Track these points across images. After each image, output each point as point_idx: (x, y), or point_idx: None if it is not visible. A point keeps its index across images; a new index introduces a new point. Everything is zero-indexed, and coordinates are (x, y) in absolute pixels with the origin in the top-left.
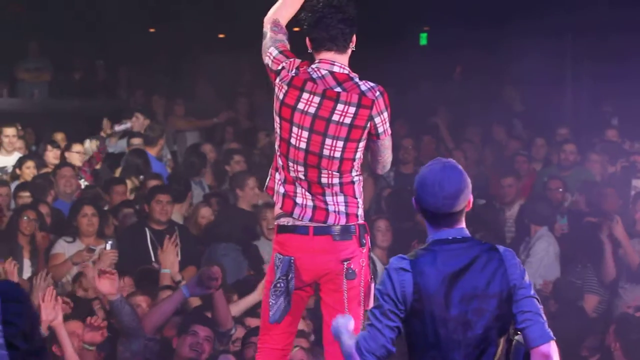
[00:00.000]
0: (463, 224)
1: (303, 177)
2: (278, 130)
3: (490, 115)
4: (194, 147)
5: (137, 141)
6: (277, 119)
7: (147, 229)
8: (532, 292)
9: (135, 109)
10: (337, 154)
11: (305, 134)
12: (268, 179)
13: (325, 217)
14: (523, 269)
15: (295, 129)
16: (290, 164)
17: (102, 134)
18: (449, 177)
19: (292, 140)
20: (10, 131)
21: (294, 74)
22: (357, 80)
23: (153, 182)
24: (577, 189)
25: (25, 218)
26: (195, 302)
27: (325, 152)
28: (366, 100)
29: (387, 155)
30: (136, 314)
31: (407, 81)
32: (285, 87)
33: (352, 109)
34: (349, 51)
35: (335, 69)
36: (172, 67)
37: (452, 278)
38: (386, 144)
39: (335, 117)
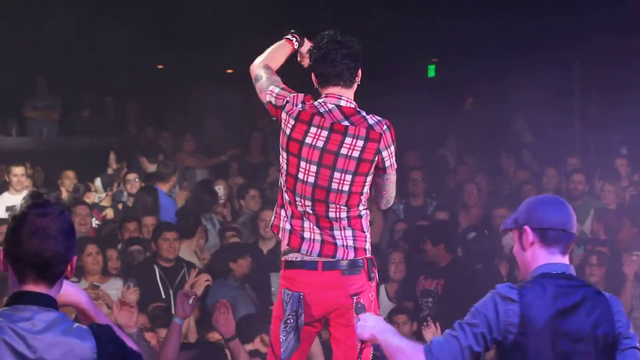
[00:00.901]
0: (570, 260)
1: (311, 212)
2: (285, 166)
3: (499, 145)
4: (204, 183)
5: (132, 176)
6: (284, 154)
7: (155, 266)
8: (637, 342)
9: (141, 151)
10: (346, 188)
11: (314, 168)
12: (273, 217)
13: (333, 251)
14: (628, 319)
15: (303, 164)
16: (298, 198)
17: (109, 170)
18: (564, 200)
19: (300, 175)
20: (18, 170)
21: (300, 109)
22: (364, 114)
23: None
24: (595, 218)
25: None
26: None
27: (334, 185)
28: (374, 133)
29: (391, 190)
30: (152, 351)
31: (415, 113)
32: (292, 122)
33: (361, 142)
34: (355, 85)
35: (342, 102)
36: (181, 103)
37: (561, 315)
38: (392, 178)
39: (343, 151)
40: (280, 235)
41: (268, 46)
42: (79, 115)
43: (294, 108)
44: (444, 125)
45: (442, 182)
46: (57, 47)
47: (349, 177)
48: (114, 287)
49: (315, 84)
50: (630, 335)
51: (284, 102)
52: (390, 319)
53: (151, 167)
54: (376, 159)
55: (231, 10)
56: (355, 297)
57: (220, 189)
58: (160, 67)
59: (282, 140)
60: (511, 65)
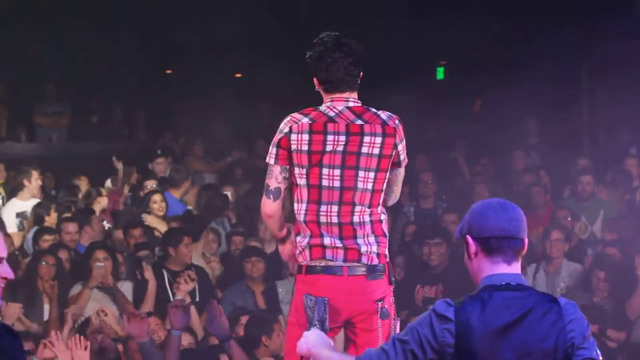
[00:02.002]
0: (519, 268)
1: (336, 220)
2: (304, 182)
3: (509, 147)
4: (214, 187)
5: (151, 183)
6: (302, 171)
7: (164, 270)
8: (595, 353)
9: (155, 151)
10: (370, 186)
11: (338, 172)
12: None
13: (358, 257)
14: (586, 325)
15: (325, 170)
16: (323, 209)
17: (119, 173)
18: (510, 204)
19: (325, 182)
20: (33, 176)
21: (309, 121)
22: (374, 110)
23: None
24: (608, 227)
25: (43, 263)
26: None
27: (360, 184)
28: (389, 128)
29: (400, 186)
30: (165, 357)
31: (424, 115)
32: (307, 136)
33: (379, 139)
34: (357, 86)
35: (350, 103)
36: (190, 108)
37: (501, 332)
38: (402, 173)
39: (364, 150)
40: (300, 259)
41: (276, 51)
42: (88, 121)
43: (300, 123)
44: (453, 128)
45: (453, 185)
46: (66, 54)
47: (372, 175)
48: (124, 291)
49: (319, 88)
50: (586, 345)
51: (285, 131)
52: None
53: (161, 168)
54: (393, 153)
55: (240, 16)
56: (380, 303)
57: (229, 194)
58: (168, 72)
59: (300, 158)
60: (519, 67)
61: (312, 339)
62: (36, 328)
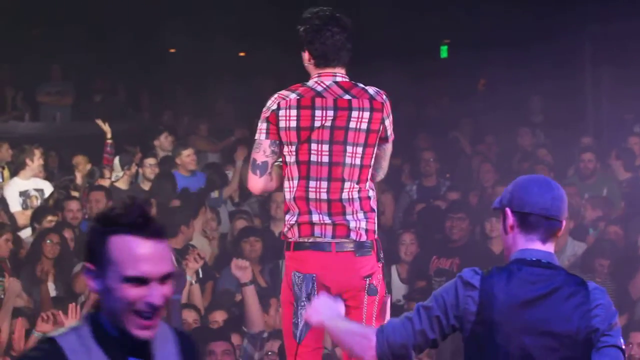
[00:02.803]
0: (553, 248)
1: (325, 197)
2: (293, 158)
3: (513, 126)
4: (216, 166)
5: (151, 161)
6: (291, 147)
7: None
8: (619, 341)
9: (159, 129)
10: (358, 161)
11: (326, 147)
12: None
13: (347, 233)
14: (614, 312)
15: (314, 145)
16: (312, 184)
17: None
18: (555, 183)
19: (313, 158)
20: (35, 154)
21: (297, 96)
22: (362, 85)
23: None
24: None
25: (48, 242)
26: (222, 316)
27: (348, 160)
28: (377, 103)
29: (388, 162)
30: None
31: (427, 94)
32: (295, 111)
33: (367, 114)
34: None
35: (338, 78)
36: (193, 87)
37: (525, 306)
38: (390, 148)
39: (352, 125)
40: (288, 234)
41: (280, 30)
42: (91, 100)
43: (288, 99)
44: (456, 106)
45: (456, 163)
46: (69, 33)
47: (360, 150)
48: None
49: (309, 62)
50: (612, 332)
51: (274, 108)
52: (408, 305)
53: (166, 145)
54: (381, 128)
55: None
56: (367, 279)
57: (230, 173)
58: (172, 50)
59: (289, 135)
60: (523, 45)
61: (322, 308)
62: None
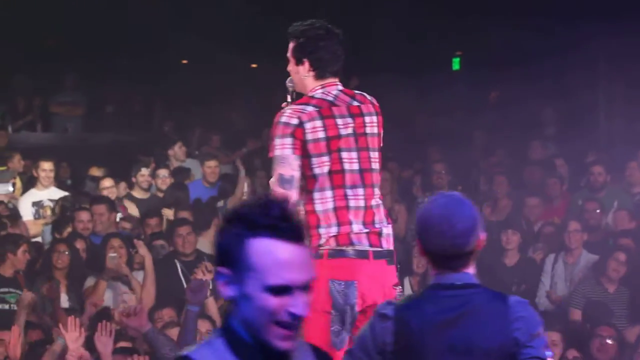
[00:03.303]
0: (470, 268)
1: (362, 204)
2: (325, 170)
3: (526, 138)
4: (227, 176)
5: (163, 172)
6: (324, 158)
7: (176, 261)
8: (542, 352)
9: (173, 139)
10: (377, 166)
11: (354, 154)
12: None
13: (379, 241)
14: (536, 323)
15: (344, 154)
16: (350, 192)
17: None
18: (458, 213)
19: (346, 166)
20: (47, 165)
21: (314, 108)
22: (358, 92)
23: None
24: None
25: (56, 253)
26: None
27: (373, 165)
28: (376, 107)
29: None
30: (175, 343)
31: (439, 107)
32: (320, 122)
33: (375, 118)
34: None
35: (340, 87)
36: (205, 98)
37: (444, 329)
38: None
39: (368, 130)
40: (324, 243)
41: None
42: (103, 111)
43: (307, 112)
44: (469, 118)
45: (468, 175)
46: (82, 44)
47: (376, 155)
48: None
49: (307, 74)
50: (532, 343)
51: (294, 123)
52: None
53: (179, 157)
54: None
55: (256, 5)
56: (397, 288)
57: (245, 185)
58: (184, 62)
59: (317, 147)
60: (536, 58)
61: None
62: (48, 320)
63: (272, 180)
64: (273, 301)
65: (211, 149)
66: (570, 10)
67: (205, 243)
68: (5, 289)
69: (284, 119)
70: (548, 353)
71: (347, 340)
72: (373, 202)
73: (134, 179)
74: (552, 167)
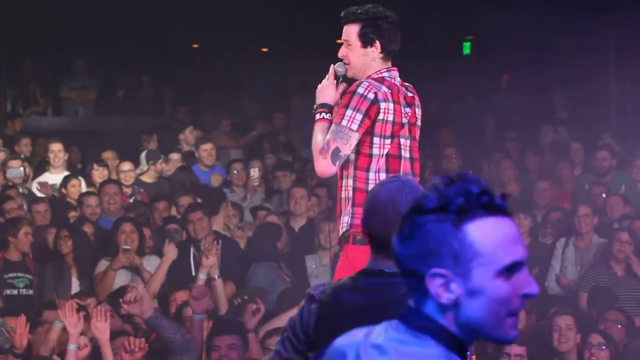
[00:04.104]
0: None
1: None
2: (384, 151)
3: (537, 122)
4: (240, 162)
5: (175, 156)
6: (383, 141)
7: (191, 246)
8: None
9: (184, 123)
10: (418, 157)
11: (408, 142)
12: (350, 218)
13: None
14: None
15: (402, 141)
16: None
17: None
18: (407, 199)
19: (403, 153)
20: (56, 147)
21: (388, 90)
22: (407, 83)
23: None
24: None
25: (61, 238)
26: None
27: (419, 155)
28: (419, 99)
29: None
30: (179, 326)
31: (450, 91)
32: (392, 106)
33: (419, 111)
34: None
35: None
36: (216, 82)
37: (358, 315)
38: None
39: (417, 122)
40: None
41: (299, 27)
42: (114, 96)
43: (382, 91)
44: (480, 103)
45: (479, 160)
46: (93, 28)
47: (417, 146)
48: (147, 265)
49: (376, 55)
50: None
51: (371, 98)
52: None
53: (190, 142)
54: None
55: None
56: None
57: (255, 170)
58: (195, 46)
59: (384, 128)
60: (547, 42)
61: None
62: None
63: (318, 145)
64: (505, 288)
65: (221, 133)
66: None
67: (217, 227)
68: (13, 274)
69: (361, 91)
70: None
71: None
72: None
73: (149, 165)
74: (564, 151)
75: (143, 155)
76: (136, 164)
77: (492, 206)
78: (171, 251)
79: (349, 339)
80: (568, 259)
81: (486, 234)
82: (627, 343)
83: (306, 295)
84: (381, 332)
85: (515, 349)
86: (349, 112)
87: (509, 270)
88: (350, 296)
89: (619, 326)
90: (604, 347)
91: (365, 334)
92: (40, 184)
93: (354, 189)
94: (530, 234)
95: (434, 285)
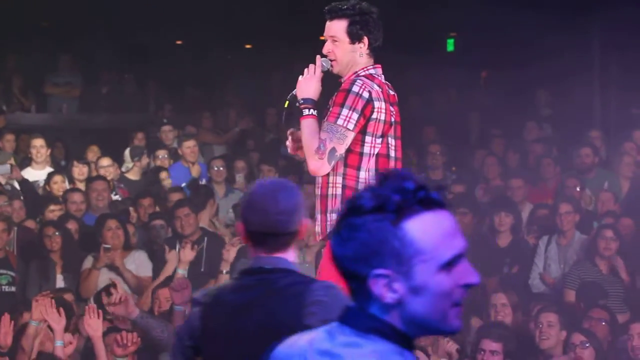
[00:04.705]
0: (289, 254)
1: None
2: (374, 150)
3: (520, 119)
4: (224, 158)
5: (162, 153)
6: (374, 141)
7: (177, 242)
8: None
9: (162, 121)
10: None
11: (394, 142)
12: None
13: None
14: (338, 309)
15: (390, 140)
16: None
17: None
18: (284, 193)
19: (391, 153)
20: (38, 142)
21: (378, 88)
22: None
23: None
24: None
25: (46, 236)
26: None
27: (401, 155)
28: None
29: None
30: (166, 324)
31: (434, 87)
32: (384, 104)
33: (398, 109)
34: None
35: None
36: (199, 79)
37: (237, 314)
38: None
39: (399, 120)
40: None
41: (288, 24)
42: (98, 92)
43: (374, 90)
44: (463, 100)
45: (463, 156)
46: (77, 25)
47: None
48: (133, 261)
49: (363, 51)
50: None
51: (366, 97)
52: None
53: (169, 137)
54: None
55: None
56: None
57: (241, 176)
58: (179, 42)
59: (377, 127)
60: (531, 38)
61: None
62: None
63: (312, 145)
64: (448, 281)
65: (204, 130)
66: None
67: (204, 223)
68: None
69: (356, 89)
70: None
71: None
72: None
73: (134, 162)
74: (547, 149)
75: (127, 152)
76: (119, 160)
77: (429, 201)
78: (170, 259)
79: (292, 348)
80: (551, 256)
81: (426, 230)
82: (611, 340)
83: (192, 300)
84: (325, 338)
85: (491, 345)
86: (344, 111)
87: (450, 264)
88: (231, 295)
89: (604, 323)
90: (587, 345)
91: (309, 341)
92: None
93: (344, 187)
94: (512, 231)
95: (377, 286)
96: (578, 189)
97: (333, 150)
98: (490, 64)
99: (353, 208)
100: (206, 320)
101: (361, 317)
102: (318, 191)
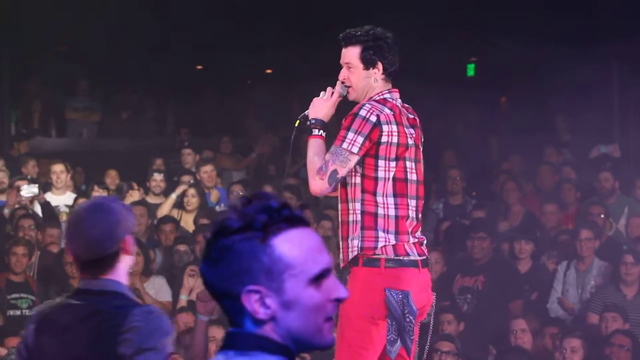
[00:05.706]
0: (116, 274)
1: (419, 215)
2: (390, 175)
3: (540, 144)
4: (244, 183)
5: (187, 179)
6: (388, 164)
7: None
8: None
9: (183, 144)
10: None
11: (414, 165)
12: (360, 241)
13: (423, 250)
14: (157, 335)
15: (408, 164)
16: (412, 203)
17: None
18: (92, 218)
19: (409, 176)
20: (58, 167)
21: (391, 112)
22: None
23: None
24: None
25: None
26: None
27: (422, 178)
28: (419, 121)
29: None
30: (192, 339)
31: (454, 112)
32: (395, 127)
33: (421, 133)
34: None
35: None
36: (220, 104)
37: (55, 336)
38: None
39: (420, 144)
40: (378, 250)
41: (306, 48)
42: (118, 117)
43: (384, 113)
44: (483, 124)
45: (483, 182)
46: (97, 50)
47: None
48: (153, 286)
49: (378, 76)
50: (140, 357)
51: (373, 121)
52: (437, 317)
53: (190, 161)
54: None
55: (270, 11)
56: (434, 295)
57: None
58: (199, 67)
59: (389, 151)
60: (550, 63)
61: None
62: None
63: (315, 165)
64: (318, 295)
65: (222, 155)
66: (584, 17)
67: None
68: (16, 295)
69: (363, 113)
70: None
71: (398, 350)
72: (420, 214)
73: (148, 184)
74: (566, 173)
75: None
76: (140, 184)
77: (294, 218)
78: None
79: None
80: (569, 281)
81: (293, 245)
82: None
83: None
84: None
85: (446, 346)
86: (350, 134)
87: (319, 278)
88: (58, 315)
89: (626, 350)
90: None
91: None
92: (13, 188)
93: (362, 212)
94: (532, 257)
95: (250, 302)
96: (602, 217)
97: (335, 172)
98: (510, 89)
99: (220, 230)
100: (37, 338)
101: (242, 338)
102: (340, 218)
